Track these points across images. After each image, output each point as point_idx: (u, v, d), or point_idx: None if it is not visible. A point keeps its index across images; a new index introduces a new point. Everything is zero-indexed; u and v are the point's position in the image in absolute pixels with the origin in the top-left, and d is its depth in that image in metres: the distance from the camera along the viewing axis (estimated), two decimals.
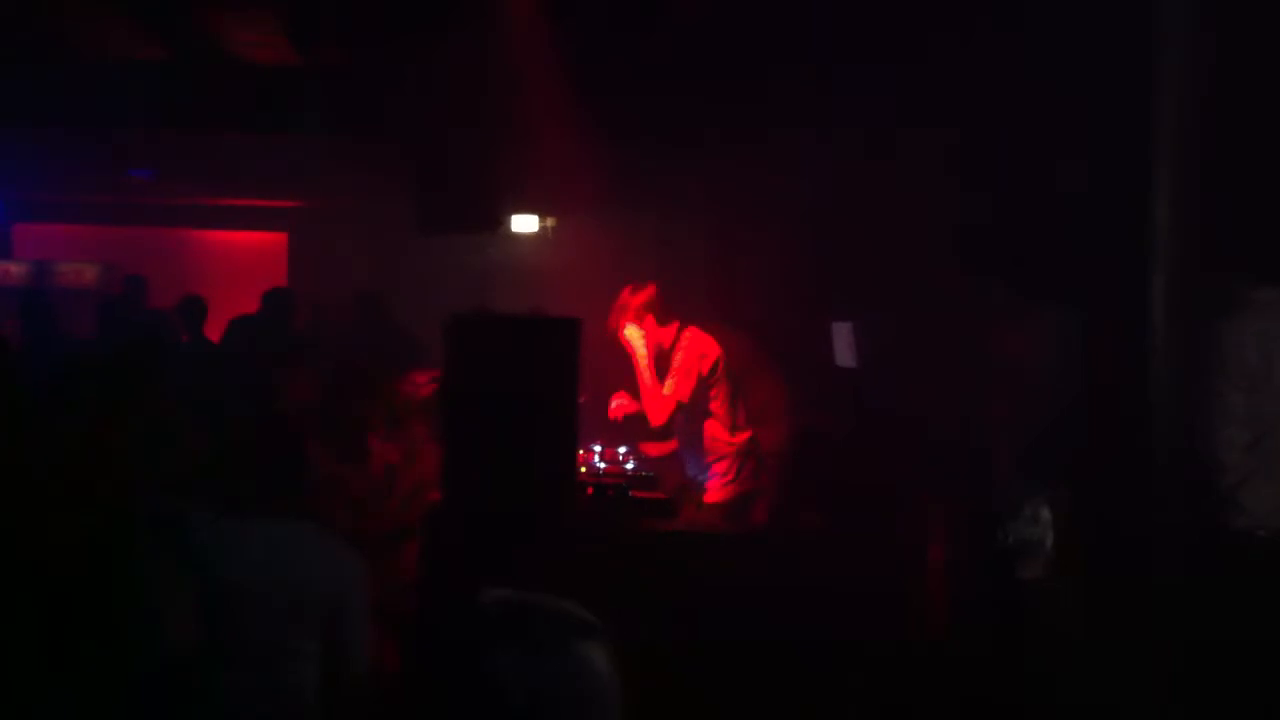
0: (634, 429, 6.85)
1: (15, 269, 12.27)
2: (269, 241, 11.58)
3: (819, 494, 5.18)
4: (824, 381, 6.96)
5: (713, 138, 7.30)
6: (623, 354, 6.70)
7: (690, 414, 6.55)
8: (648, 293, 6.61)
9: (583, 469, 6.24)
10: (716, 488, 6.60)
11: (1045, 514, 3.44)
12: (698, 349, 6.55)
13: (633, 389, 6.72)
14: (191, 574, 3.84)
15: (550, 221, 8.32)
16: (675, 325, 6.63)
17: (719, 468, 6.60)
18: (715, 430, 6.60)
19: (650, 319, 6.60)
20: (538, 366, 5.30)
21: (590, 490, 5.98)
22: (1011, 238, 5.60)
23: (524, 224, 8.27)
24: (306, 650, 3.80)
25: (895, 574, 4.69)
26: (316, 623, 3.82)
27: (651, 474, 6.42)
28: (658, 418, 6.51)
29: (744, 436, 6.61)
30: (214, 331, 9.34)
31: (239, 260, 10.78)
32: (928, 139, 6.08)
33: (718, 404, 6.59)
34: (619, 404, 6.71)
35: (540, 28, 7.72)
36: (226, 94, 8.82)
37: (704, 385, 6.53)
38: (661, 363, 6.64)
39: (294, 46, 8.63)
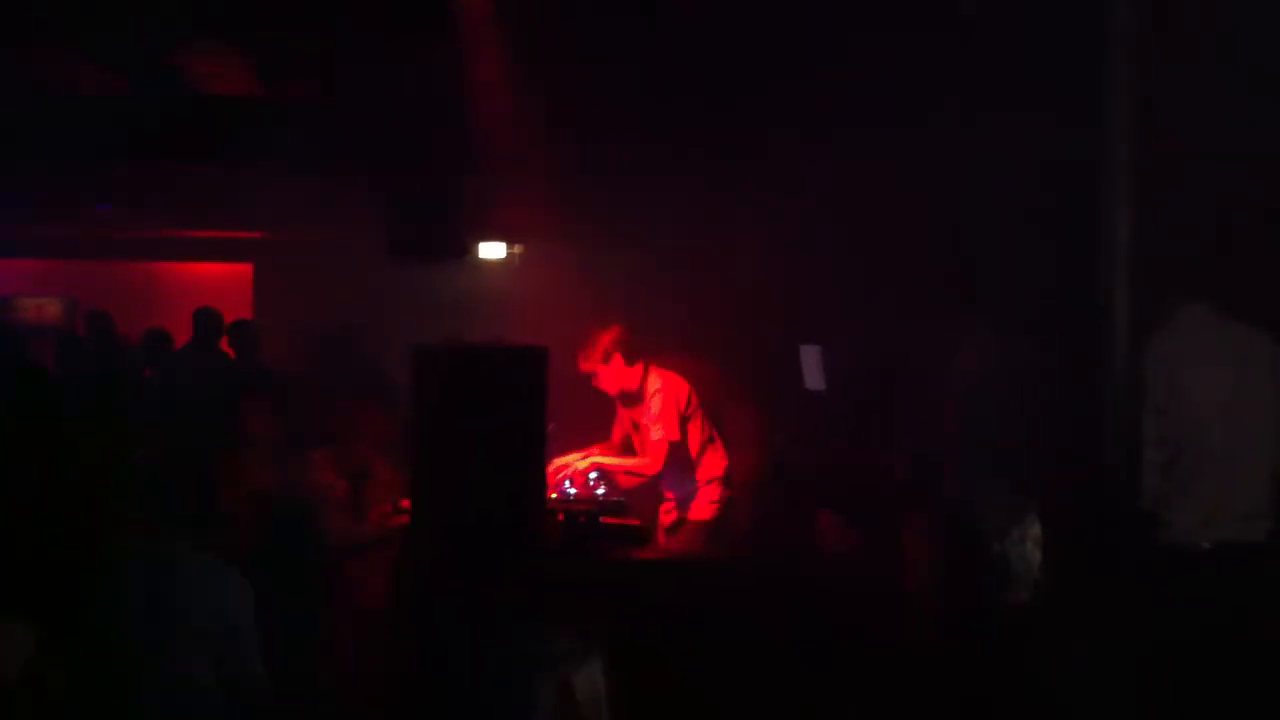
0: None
1: None
2: (235, 273, 11.54)
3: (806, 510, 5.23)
4: (795, 407, 6.99)
5: (680, 165, 7.32)
6: (591, 393, 6.77)
7: (678, 447, 6.64)
8: (614, 333, 6.67)
9: (553, 495, 6.20)
10: (703, 504, 6.69)
11: (1036, 531, 3.34)
12: (671, 388, 6.66)
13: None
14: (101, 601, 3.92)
15: (517, 248, 8.31)
16: (640, 365, 6.70)
17: (709, 490, 6.71)
18: (705, 456, 6.71)
19: (618, 358, 6.66)
20: (506, 395, 5.30)
21: (561, 517, 5.96)
22: (973, 262, 5.66)
23: (491, 251, 8.26)
24: (202, 676, 3.84)
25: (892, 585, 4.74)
26: (208, 648, 3.85)
27: (621, 500, 6.39)
28: (655, 465, 6.61)
29: (726, 461, 6.74)
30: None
31: (204, 293, 10.68)
32: (898, 160, 6.13)
33: (700, 433, 6.69)
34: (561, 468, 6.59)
35: (504, 57, 7.74)
36: (191, 127, 8.76)
37: (684, 420, 6.65)
38: (626, 401, 6.78)
39: (261, 79, 8.61)
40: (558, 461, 6.47)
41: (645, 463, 6.64)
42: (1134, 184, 5.07)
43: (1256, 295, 4.90)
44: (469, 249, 8.21)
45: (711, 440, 6.72)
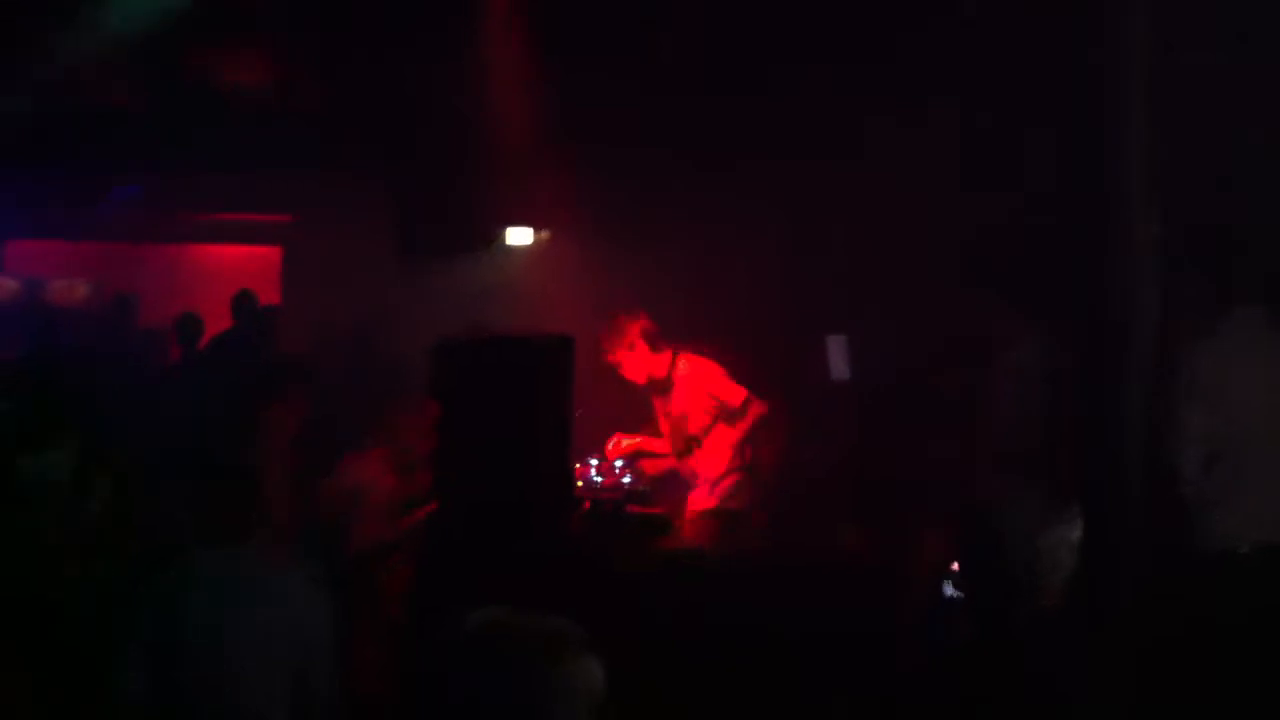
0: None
1: (5, 286, 12.24)
2: (264, 255, 11.60)
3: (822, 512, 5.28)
4: (819, 401, 7.04)
5: (704, 155, 7.38)
6: (619, 380, 6.82)
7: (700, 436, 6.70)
8: (640, 321, 6.67)
9: (579, 483, 6.29)
10: (719, 496, 6.68)
11: (1074, 537, 3.40)
12: (699, 374, 6.68)
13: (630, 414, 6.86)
14: (157, 619, 3.87)
15: (545, 233, 8.25)
16: (669, 353, 6.70)
17: (722, 483, 6.70)
18: (721, 447, 6.71)
19: (643, 346, 6.66)
20: (532, 384, 5.41)
21: (587, 505, 6.08)
22: (996, 258, 5.74)
23: (519, 236, 8.19)
24: (276, 694, 3.82)
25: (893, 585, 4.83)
26: (285, 667, 3.82)
27: (647, 489, 6.48)
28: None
29: (747, 454, 6.73)
30: None
31: (233, 275, 10.81)
32: (920, 152, 6.20)
33: (722, 423, 6.70)
34: (619, 444, 6.72)
35: (526, 44, 7.76)
36: (213, 124, 8.76)
37: (716, 405, 6.66)
38: (656, 389, 6.79)
39: (266, 79, 8.61)
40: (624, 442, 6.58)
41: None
42: (1143, 183, 5.14)
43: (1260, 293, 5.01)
44: (492, 239, 8.13)
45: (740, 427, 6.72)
